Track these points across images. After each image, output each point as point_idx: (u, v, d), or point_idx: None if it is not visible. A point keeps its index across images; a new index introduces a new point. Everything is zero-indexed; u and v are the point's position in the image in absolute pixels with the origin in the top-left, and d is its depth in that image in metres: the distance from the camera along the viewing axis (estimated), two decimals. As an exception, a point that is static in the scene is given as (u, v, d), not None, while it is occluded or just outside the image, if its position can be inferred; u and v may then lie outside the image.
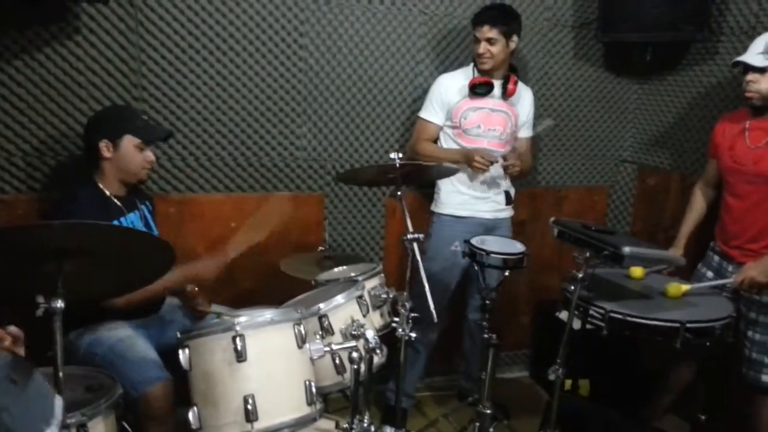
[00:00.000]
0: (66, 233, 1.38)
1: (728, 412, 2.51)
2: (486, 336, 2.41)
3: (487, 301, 2.50)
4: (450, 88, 2.77)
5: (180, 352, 1.73)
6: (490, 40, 2.67)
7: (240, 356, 1.64)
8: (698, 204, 2.71)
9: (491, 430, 2.46)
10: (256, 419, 1.62)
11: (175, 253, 1.49)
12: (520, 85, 2.85)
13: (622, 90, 3.41)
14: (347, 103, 2.94)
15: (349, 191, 3.03)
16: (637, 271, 2.42)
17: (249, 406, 1.62)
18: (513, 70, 2.83)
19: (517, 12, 2.76)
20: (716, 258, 2.59)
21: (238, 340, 1.64)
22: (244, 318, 1.69)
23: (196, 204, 2.79)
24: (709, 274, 2.59)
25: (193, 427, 1.67)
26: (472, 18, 2.74)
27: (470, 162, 2.67)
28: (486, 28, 2.66)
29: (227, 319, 1.69)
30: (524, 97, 2.90)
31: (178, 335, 1.75)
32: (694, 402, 2.41)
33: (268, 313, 1.73)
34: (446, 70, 3.02)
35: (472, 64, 2.82)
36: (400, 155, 2.19)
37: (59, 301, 1.38)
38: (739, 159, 2.42)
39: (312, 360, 1.77)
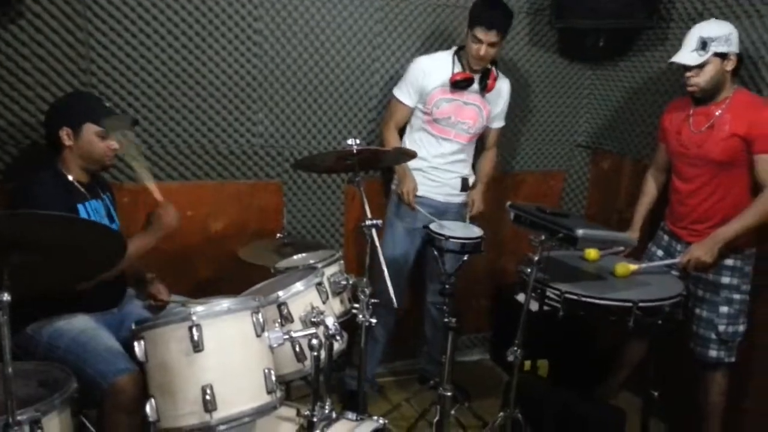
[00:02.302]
0: (12, 223, 1.33)
1: (679, 388, 2.60)
2: (446, 320, 2.44)
3: (447, 285, 2.52)
4: (429, 73, 2.73)
5: (135, 343, 1.69)
6: (493, 44, 2.63)
7: (197, 346, 1.61)
8: (650, 188, 2.79)
9: (452, 412, 2.49)
10: (215, 409, 1.60)
11: (127, 243, 1.46)
12: (500, 78, 2.83)
13: (576, 76, 3.46)
14: (304, 89, 2.91)
15: (307, 178, 3.01)
16: (592, 254, 2.48)
17: (207, 396, 1.60)
18: (493, 63, 2.80)
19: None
20: (666, 237, 2.67)
21: (194, 330, 1.62)
22: (200, 308, 1.66)
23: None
24: (659, 252, 2.68)
25: (151, 419, 1.64)
26: (477, 16, 2.61)
27: (401, 187, 2.73)
28: (494, 32, 2.59)
29: (183, 309, 1.66)
30: (502, 89, 2.88)
31: (133, 326, 1.72)
32: (646, 378, 2.49)
33: (225, 302, 1.70)
34: (404, 55, 3.02)
35: (453, 52, 2.77)
36: (358, 141, 2.17)
37: (5, 294, 1.34)
38: (685, 143, 2.49)
39: (271, 348, 1.76)
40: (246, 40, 2.75)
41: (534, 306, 2.26)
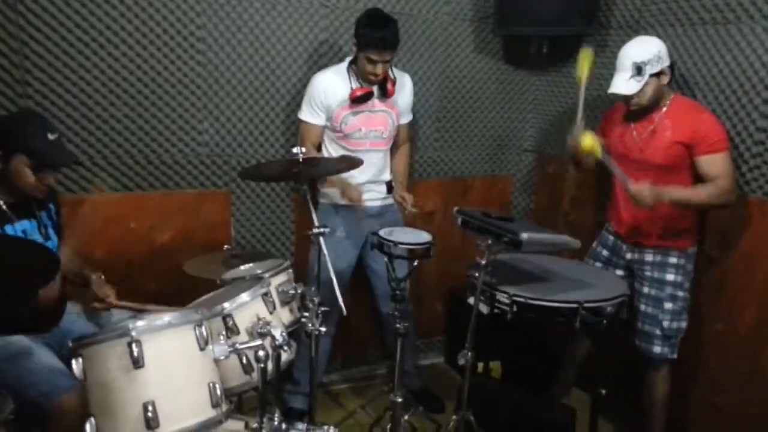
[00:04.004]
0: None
1: (626, 385, 2.67)
2: (397, 325, 2.44)
3: (398, 291, 2.52)
4: (329, 91, 2.70)
5: (73, 361, 1.63)
6: (387, 62, 2.65)
7: (137, 363, 1.56)
8: None
9: (406, 417, 2.49)
10: (158, 426, 1.55)
11: (57, 258, 1.40)
12: (398, 78, 2.81)
13: (521, 82, 3.53)
14: (250, 97, 2.88)
15: (256, 187, 2.98)
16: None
17: (149, 414, 1.55)
18: None
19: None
20: (611, 238, 2.73)
21: (134, 345, 1.57)
22: (140, 322, 1.61)
23: (91, 205, 2.65)
24: (605, 252, 2.74)
25: (92, 439, 1.58)
26: (367, 40, 2.56)
27: (348, 196, 2.71)
28: (387, 53, 2.61)
29: (122, 325, 1.61)
30: (404, 86, 2.87)
31: (70, 344, 1.66)
32: (594, 377, 2.54)
33: (166, 317, 1.66)
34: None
35: (347, 66, 2.73)
36: (303, 150, 2.16)
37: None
38: (628, 147, 2.56)
39: (216, 361, 1.72)
40: (189, 48, 2.71)
41: (485, 309, 2.28)
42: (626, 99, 2.47)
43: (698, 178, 2.43)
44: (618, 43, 2.99)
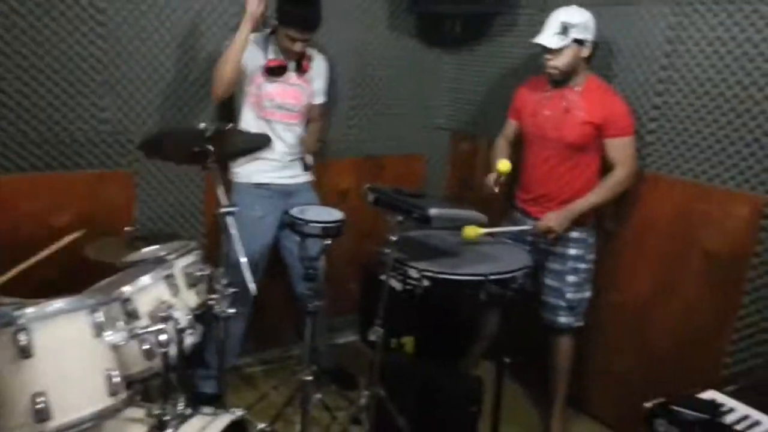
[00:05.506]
0: None
1: (531, 353, 2.78)
2: (308, 304, 2.43)
3: (310, 270, 2.51)
4: (246, 57, 2.63)
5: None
6: (308, 40, 2.64)
7: (25, 352, 1.49)
8: (502, 149, 2.89)
9: (318, 395, 2.51)
10: (49, 418, 1.49)
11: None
12: (315, 58, 2.85)
13: (435, 60, 3.56)
14: (155, 72, 2.75)
15: (163, 166, 2.86)
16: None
17: (39, 405, 1.48)
18: None
19: None
20: (517, 214, 2.81)
21: (21, 334, 1.49)
22: (29, 309, 1.53)
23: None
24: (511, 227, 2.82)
25: (-23, 436, 1.50)
26: (289, 18, 2.57)
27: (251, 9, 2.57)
28: (309, 32, 2.61)
29: (7, 312, 1.52)
30: (320, 67, 2.91)
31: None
32: (502, 346, 2.63)
33: (57, 303, 1.58)
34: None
35: (266, 35, 2.73)
36: (209, 125, 2.10)
37: None
38: (541, 125, 2.63)
39: (114, 348, 1.66)
40: (88, 20, 2.56)
41: (398, 285, 2.32)
42: (545, 56, 2.50)
43: (604, 158, 2.54)
44: (527, 23, 3.08)
